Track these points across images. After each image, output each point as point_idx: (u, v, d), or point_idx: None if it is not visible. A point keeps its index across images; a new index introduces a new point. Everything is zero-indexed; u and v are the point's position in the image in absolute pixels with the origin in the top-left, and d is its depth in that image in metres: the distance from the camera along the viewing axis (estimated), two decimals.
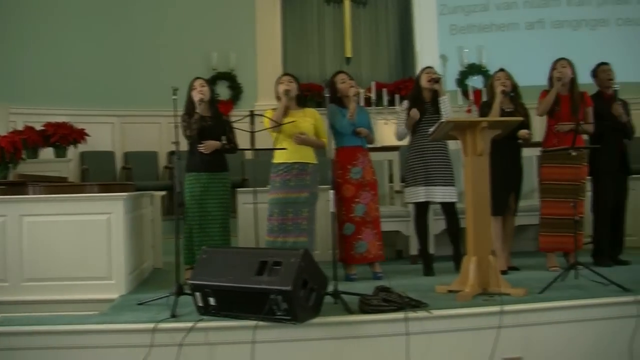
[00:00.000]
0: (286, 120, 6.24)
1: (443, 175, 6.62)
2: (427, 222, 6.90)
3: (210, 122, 6.51)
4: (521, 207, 6.98)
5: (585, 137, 6.89)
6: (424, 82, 6.74)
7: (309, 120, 6.43)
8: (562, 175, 6.53)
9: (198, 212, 6.44)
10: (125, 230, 5.88)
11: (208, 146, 6.43)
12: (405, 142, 6.97)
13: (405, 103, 6.85)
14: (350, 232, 6.53)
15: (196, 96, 6.46)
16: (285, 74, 6.75)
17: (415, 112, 6.57)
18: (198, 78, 6.69)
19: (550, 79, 6.76)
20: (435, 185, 6.62)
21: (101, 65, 11.30)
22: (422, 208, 6.80)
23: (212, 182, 6.47)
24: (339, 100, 6.65)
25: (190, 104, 6.50)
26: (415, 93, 6.84)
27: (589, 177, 6.91)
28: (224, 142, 6.54)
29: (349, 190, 6.54)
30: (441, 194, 6.63)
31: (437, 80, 6.66)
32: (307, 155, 6.37)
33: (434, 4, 12.70)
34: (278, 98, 6.42)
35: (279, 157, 6.34)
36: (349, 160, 6.58)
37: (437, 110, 6.65)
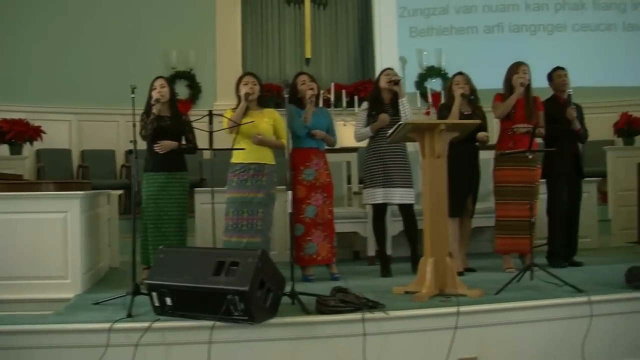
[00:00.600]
0: (245, 120, 6.23)
1: (401, 177, 6.66)
2: (384, 223, 6.93)
3: (168, 122, 6.48)
4: (478, 209, 7.05)
5: (538, 140, 6.97)
6: (383, 83, 6.77)
7: (268, 120, 6.43)
8: (516, 178, 6.60)
9: (154, 212, 6.41)
10: (81, 229, 5.84)
11: (163, 146, 6.40)
12: (363, 143, 7.00)
13: (365, 104, 6.88)
14: (300, 233, 6.52)
15: (154, 96, 6.42)
16: (249, 73, 6.70)
17: (385, 117, 6.58)
18: (159, 77, 6.65)
19: (508, 81, 6.82)
20: (394, 187, 6.65)
21: (58, 62, 11.16)
22: (380, 209, 6.83)
23: (169, 181, 6.45)
24: (298, 101, 6.66)
25: (150, 104, 6.45)
26: (374, 94, 6.87)
27: (543, 180, 7.01)
28: (183, 142, 6.52)
29: (300, 192, 6.53)
30: (399, 195, 6.67)
31: (396, 82, 6.70)
32: (265, 156, 6.37)
33: (394, 6, 12.73)
34: (238, 97, 6.41)
35: (236, 157, 6.33)
36: (302, 162, 6.58)
37: (396, 112, 6.69)
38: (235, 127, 6.17)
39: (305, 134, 6.58)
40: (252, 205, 6.27)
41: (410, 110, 6.73)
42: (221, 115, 6.28)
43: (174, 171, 6.49)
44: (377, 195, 6.70)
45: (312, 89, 6.61)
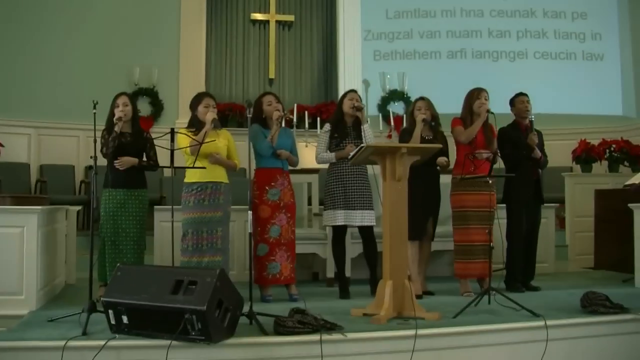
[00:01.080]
0: (205, 140, 6.20)
1: (362, 199, 6.67)
2: (344, 245, 6.93)
3: (129, 139, 6.44)
4: (438, 232, 7.09)
5: (497, 165, 7.01)
6: (346, 107, 6.79)
7: (224, 141, 6.44)
8: (475, 202, 6.65)
9: (112, 229, 6.36)
10: (38, 244, 5.76)
11: (123, 162, 6.37)
12: (324, 165, 7.00)
13: (327, 126, 6.90)
14: (264, 253, 6.51)
15: (117, 114, 6.38)
16: (208, 94, 6.69)
17: (350, 149, 6.46)
18: (122, 94, 6.62)
19: (468, 106, 6.86)
20: (354, 209, 6.66)
21: (19, 75, 11.04)
22: (340, 231, 6.83)
23: (128, 198, 6.42)
24: (263, 121, 6.66)
25: (112, 121, 6.42)
26: (337, 117, 6.88)
27: (501, 205, 7.06)
28: (144, 159, 6.49)
29: (264, 211, 6.53)
30: (360, 217, 6.68)
31: (359, 109, 6.72)
32: (220, 175, 6.37)
33: (358, 29, 12.82)
34: (195, 116, 6.40)
35: (191, 177, 6.30)
36: (267, 182, 6.58)
37: (358, 135, 6.72)
38: (197, 147, 6.13)
39: (271, 154, 6.57)
40: (211, 224, 6.25)
41: (372, 136, 6.77)
42: (182, 133, 6.24)
43: (133, 188, 6.46)
44: (338, 216, 6.70)
45: (278, 110, 6.61)
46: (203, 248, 6.21)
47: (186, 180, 6.34)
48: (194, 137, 6.19)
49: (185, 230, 6.25)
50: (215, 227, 6.26)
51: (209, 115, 6.32)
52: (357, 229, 6.90)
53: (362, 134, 6.70)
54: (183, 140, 6.23)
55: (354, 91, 7.00)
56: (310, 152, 9.38)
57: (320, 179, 8.30)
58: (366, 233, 6.76)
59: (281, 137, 6.63)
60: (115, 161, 6.35)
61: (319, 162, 7.00)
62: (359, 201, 6.66)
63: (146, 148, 6.58)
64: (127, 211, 6.40)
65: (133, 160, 6.41)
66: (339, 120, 6.84)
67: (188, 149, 6.19)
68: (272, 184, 6.59)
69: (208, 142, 6.17)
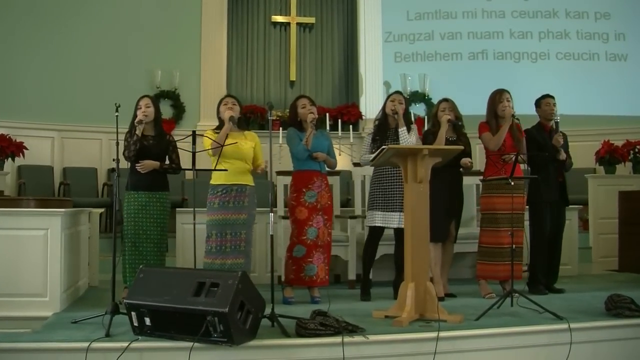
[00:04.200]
0: (227, 142, 6.20)
1: (402, 201, 6.51)
2: (376, 247, 6.84)
3: (151, 141, 6.46)
4: (460, 234, 7.06)
5: (523, 166, 6.97)
6: (388, 109, 6.75)
7: (250, 143, 6.39)
8: (502, 205, 6.58)
9: (133, 231, 6.37)
10: (61, 247, 5.79)
11: (145, 166, 6.38)
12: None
13: (371, 129, 6.88)
14: (301, 255, 6.52)
15: (138, 116, 6.40)
16: (229, 95, 6.71)
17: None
18: (145, 96, 6.62)
19: (493, 110, 6.80)
20: (394, 211, 6.56)
21: (43, 79, 11.17)
22: (376, 232, 6.77)
23: (150, 201, 6.42)
24: (298, 124, 6.68)
25: (134, 123, 6.43)
26: (381, 119, 6.83)
27: (526, 207, 7.02)
28: (167, 162, 6.51)
29: (302, 213, 6.54)
30: (397, 219, 6.55)
31: (395, 113, 6.66)
32: (245, 178, 6.35)
33: (379, 31, 12.84)
34: (220, 119, 6.41)
35: (217, 179, 6.29)
36: (304, 184, 6.59)
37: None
38: (219, 148, 6.14)
39: (307, 157, 6.58)
40: (236, 227, 6.24)
41: (409, 140, 6.65)
42: (203, 135, 6.26)
43: (155, 191, 6.46)
44: (376, 217, 6.65)
45: (312, 112, 6.62)
46: (227, 250, 6.20)
47: (212, 182, 6.32)
48: (213, 140, 6.17)
49: (210, 232, 6.24)
50: (239, 230, 6.25)
51: (227, 113, 6.33)
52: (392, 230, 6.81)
53: (400, 137, 6.61)
54: (207, 142, 6.23)
55: (398, 92, 6.95)
56: None
57: (341, 181, 8.29)
58: (402, 235, 6.62)
59: (317, 139, 6.63)
60: (137, 164, 6.37)
61: (362, 164, 7.02)
62: (399, 203, 6.56)
63: (168, 151, 6.60)
64: (148, 213, 6.41)
65: (154, 164, 6.42)
66: (382, 122, 6.81)
67: (210, 150, 6.19)
68: (310, 186, 6.59)
69: (230, 144, 6.17)
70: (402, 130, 6.65)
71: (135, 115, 6.45)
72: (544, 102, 7.23)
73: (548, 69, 12.28)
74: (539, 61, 12.51)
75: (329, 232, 6.69)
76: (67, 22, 11.41)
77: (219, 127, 6.38)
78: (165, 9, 12.01)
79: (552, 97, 7.25)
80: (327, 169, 6.81)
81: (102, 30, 11.57)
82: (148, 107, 6.49)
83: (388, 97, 6.92)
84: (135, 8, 11.83)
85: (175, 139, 6.68)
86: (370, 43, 12.85)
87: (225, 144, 6.15)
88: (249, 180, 6.38)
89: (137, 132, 6.33)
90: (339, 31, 13.32)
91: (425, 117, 11.71)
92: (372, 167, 6.77)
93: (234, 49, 12.84)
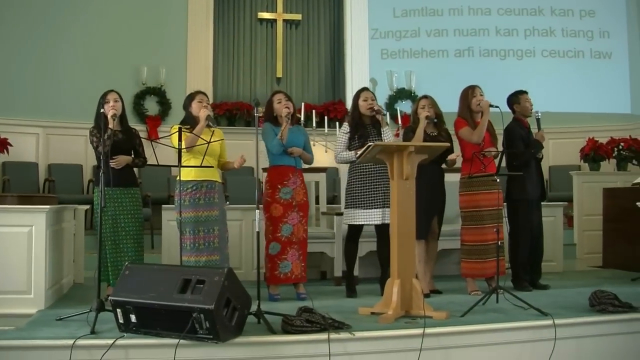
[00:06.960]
0: (205, 140, 6.10)
1: (383, 197, 6.48)
2: (357, 244, 6.85)
3: (122, 136, 6.45)
4: (444, 231, 7.07)
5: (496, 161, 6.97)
6: (363, 108, 6.71)
7: (218, 140, 6.35)
8: (486, 202, 6.61)
9: (111, 228, 6.35)
10: (46, 244, 5.78)
11: (120, 161, 6.36)
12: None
13: (346, 127, 6.83)
14: (276, 252, 6.51)
15: (109, 111, 6.31)
16: (201, 92, 6.63)
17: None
18: (112, 91, 6.55)
19: (467, 105, 6.83)
20: (376, 208, 6.56)
21: (27, 75, 11.09)
22: (356, 230, 6.77)
23: (124, 197, 6.43)
24: (274, 119, 6.65)
25: (101, 118, 6.18)
26: (355, 118, 6.79)
27: (505, 203, 7.03)
28: (134, 156, 6.51)
29: (277, 210, 6.53)
30: (380, 215, 6.55)
31: (379, 113, 6.65)
32: (214, 174, 6.35)
33: (365, 28, 12.83)
34: (190, 114, 6.41)
35: (187, 175, 6.17)
36: (279, 180, 6.58)
37: (378, 133, 6.65)
38: (194, 139, 6.08)
39: (282, 152, 6.57)
40: (208, 224, 6.24)
41: (389, 138, 6.69)
42: (190, 132, 6.18)
43: (127, 186, 6.48)
44: (358, 216, 6.63)
45: (287, 107, 6.60)
46: (200, 247, 6.19)
47: (181, 178, 6.16)
48: (195, 134, 6.09)
49: (183, 229, 6.14)
50: (212, 226, 6.24)
51: (203, 112, 6.30)
52: (371, 227, 6.80)
53: (382, 135, 6.62)
54: (176, 138, 6.07)
55: (366, 89, 6.90)
56: (317, 151, 9.38)
57: (327, 177, 8.28)
58: (384, 231, 6.60)
59: (293, 134, 6.61)
60: (111, 160, 6.30)
61: (338, 162, 6.95)
62: (380, 199, 6.57)
63: (136, 145, 6.59)
64: (124, 209, 6.40)
65: (128, 159, 6.43)
66: (357, 121, 6.77)
67: (184, 144, 6.06)
68: (285, 182, 6.58)
69: (215, 141, 6.14)
70: (386, 129, 6.66)
71: (100, 110, 6.25)
72: (523, 98, 7.22)
73: (533, 66, 12.33)
74: (525, 58, 12.56)
75: (304, 228, 6.67)
76: (53, 18, 11.33)
77: (186, 122, 6.35)
78: (151, 5, 11.95)
79: (527, 93, 7.27)
80: (303, 164, 6.80)
81: (88, 26, 11.50)
82: (117, 101, 6.45)
83: (357, 94, 6.81)
84: (122, 4, 11.77)
85: (160, 136, 6.65)
86: (356, 40, 12.84)
87: (201, 142, 6.08)
88: (217, 177, 6.40)
89: (110, 126, 6.28)
90: (325, 28, 13.33)
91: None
92: (348, 165, 6.79)
93: (220, 46, 12.82)
